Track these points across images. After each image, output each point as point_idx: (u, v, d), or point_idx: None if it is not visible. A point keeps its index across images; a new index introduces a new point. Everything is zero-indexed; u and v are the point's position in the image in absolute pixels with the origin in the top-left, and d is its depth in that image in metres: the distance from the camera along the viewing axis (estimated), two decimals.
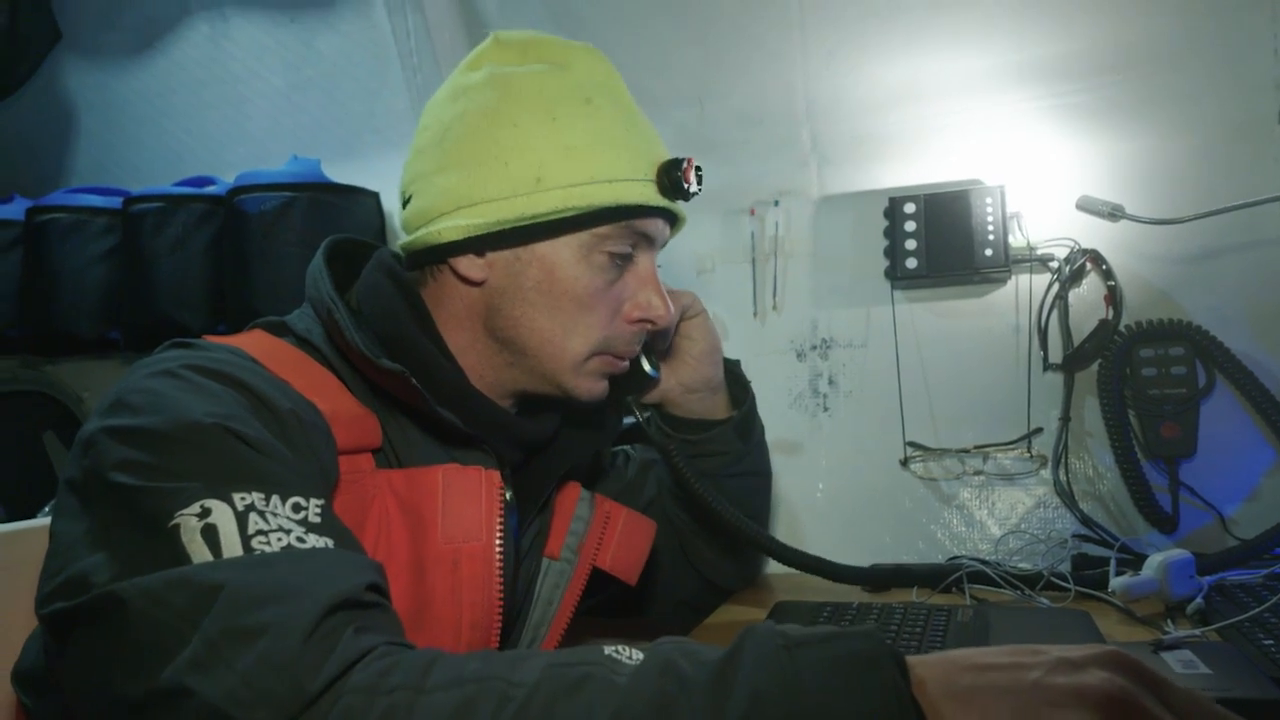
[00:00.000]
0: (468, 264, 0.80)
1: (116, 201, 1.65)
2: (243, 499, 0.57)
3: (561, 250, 0.79)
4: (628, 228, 0.81)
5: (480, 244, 0.79)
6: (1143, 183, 1.20)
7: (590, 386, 0.83)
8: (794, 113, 1.38)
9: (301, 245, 1.47)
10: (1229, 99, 1.18)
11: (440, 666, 0.50)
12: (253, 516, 0.56)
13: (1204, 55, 1.19)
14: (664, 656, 0.49)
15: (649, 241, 0.83)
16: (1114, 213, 1.18)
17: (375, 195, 1.60)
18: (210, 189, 1.62)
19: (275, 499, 0.58)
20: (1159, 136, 1.21)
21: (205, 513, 0.55)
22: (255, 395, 0.65)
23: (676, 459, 0.95)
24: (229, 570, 0.53)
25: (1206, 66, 1.19)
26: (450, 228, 0.78)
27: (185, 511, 0.55)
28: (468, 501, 0.74)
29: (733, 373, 1.05)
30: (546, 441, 0.88)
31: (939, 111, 1.31)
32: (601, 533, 0.92)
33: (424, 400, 0.76)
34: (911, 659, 0.47)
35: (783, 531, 1.29)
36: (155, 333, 1.56)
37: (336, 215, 1.51)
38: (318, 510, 0.60)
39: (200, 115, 1.78)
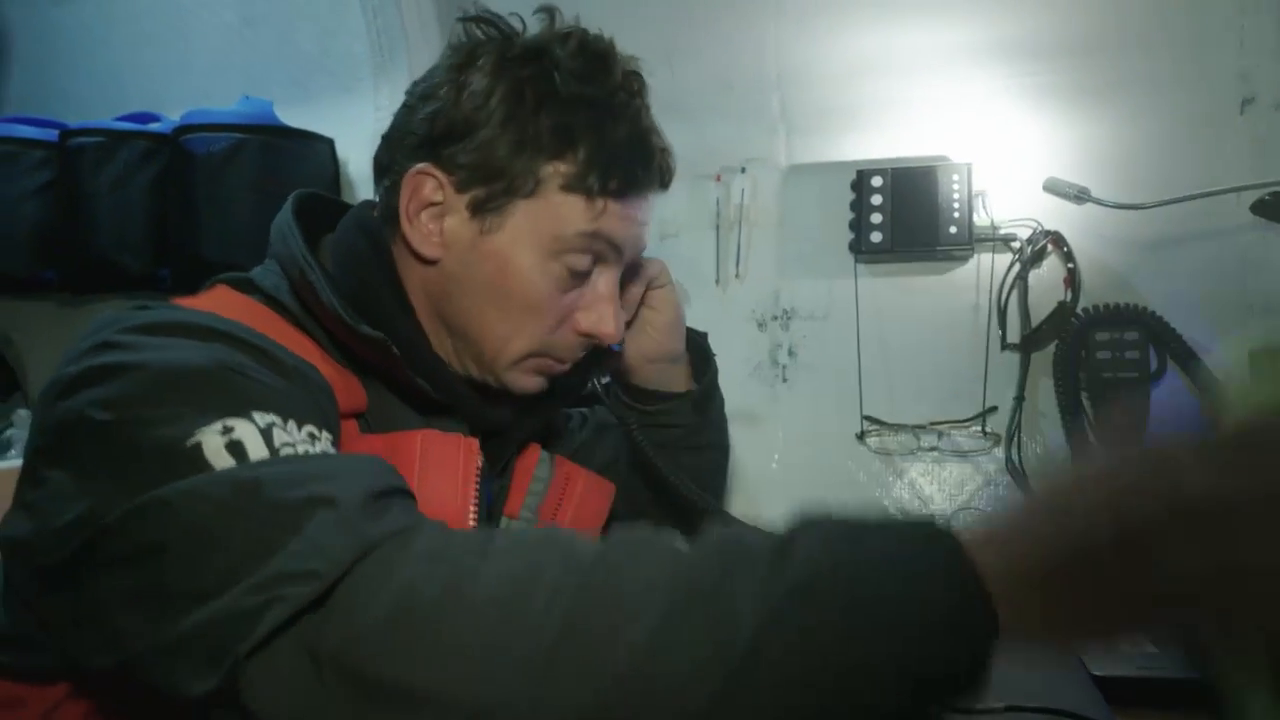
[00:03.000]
0: (421, 238, 0.77)
1: (52, 134, 1.55)
2: (263, 417, 0.54)
3: (521, 251, 0.76)
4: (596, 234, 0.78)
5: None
6: (1106, 166, 1.21)
7: (526, 382, 0.81)
8: (764, 79, 1.37)
9: (252, 190, 1.41)
10: (1194, 87, 1.20)
11: (498, 535, 0.51)
12: (276, 431, 0.54)
13: (1171, 42, 1.21)
14: (722, 530, 0.50)
15: (617, 254, 0.81)
16: (1080, 195, 1.19)
17: (330, 142, 1.53)
18: (154, 126, 1.54)
19: (292, 423, 0.56)
20: (1124, 121, 1.22)
21: (228, 430, 0.52)
22: (255, 349, 0.61)
23: (635, 432, 0.93)
24: (262, 467, 0.51)
25: (1173, 53, 1.21)
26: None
27: (208, 429, 0.52)
28: (444, 468, 0.72)
29: (698, 345, 1.04)
30: (512, 412, 0.86)
31: (909, 85, 1.31)
32: (561, 493, 0.91)
33: (401, 369, 0.74)
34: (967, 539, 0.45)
35: (738, 502, 1.29)
36: (93, 274, 1.50)
37: (289, 161, 1.45)
38: (330, 441, 0.58)
39: (144, 47, 1.69)
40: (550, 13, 0.81)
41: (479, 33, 0.80)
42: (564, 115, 0.76)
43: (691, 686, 0.42)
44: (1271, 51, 1.16)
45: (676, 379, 1.00)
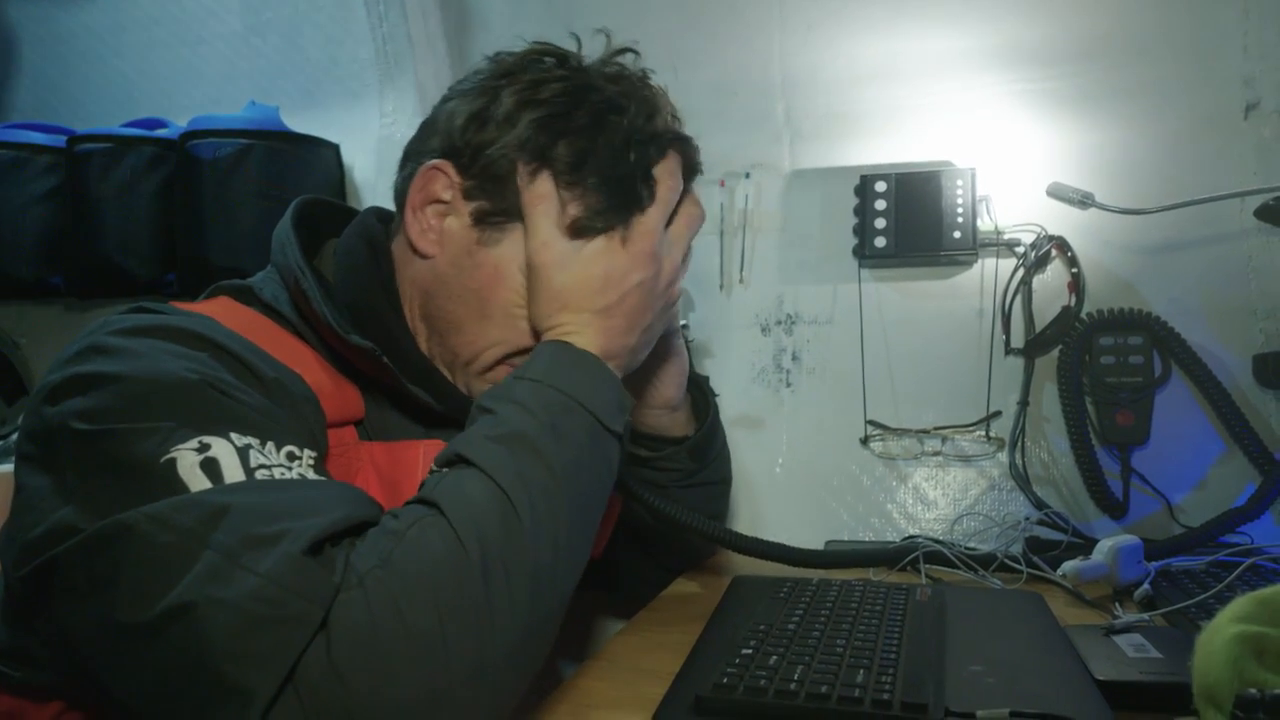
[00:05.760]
0: (419, 231, 0.78)
1: (60, 140, 1.57)
2: (240, 438, 0.54)
3: (514, 271, 0.76)
4: None
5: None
6: (1110, 172, 1.21)
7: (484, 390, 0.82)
8: (769, 86, 1.37)
9: (258, 195, 1.42)
10: (1198, 92, 1.20)
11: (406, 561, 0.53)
12: (253, 453, 0.54)
13: (1175, 47, 1.21)
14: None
15: None
16: (1084, 200, 1.19)
17: (336, 147, 1.54)
18: (162, 132, 1.55)
19: (270, 445, 0.56)
20: (1127, 126, 1.22)
21: (204, 447, 0.52)
22: (238, 360, 0.62)
23: (626, 477, 0.91)
24: (235, 493, 0.50)
25: (1177, 59, 1.21)
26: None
27: (183, 446, 0.52)
28: None
29: (700, 388, 1.03)
30: None
31: (913, 91, 1.31)
32: None
33: (395, 378, 0.74)
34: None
35: (742, 507, 1.29)
36: (100, 278, 1.51)
37: (295, 166, 1.46)
38: (311, 459, 0.58)
39: (152, 54, 1.70)
40: (608, 35, 0.84)
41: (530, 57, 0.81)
42: (583, 149, 0.77)
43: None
44: (1275, 56, 1.16)
45: (675, 424, 0.99)
